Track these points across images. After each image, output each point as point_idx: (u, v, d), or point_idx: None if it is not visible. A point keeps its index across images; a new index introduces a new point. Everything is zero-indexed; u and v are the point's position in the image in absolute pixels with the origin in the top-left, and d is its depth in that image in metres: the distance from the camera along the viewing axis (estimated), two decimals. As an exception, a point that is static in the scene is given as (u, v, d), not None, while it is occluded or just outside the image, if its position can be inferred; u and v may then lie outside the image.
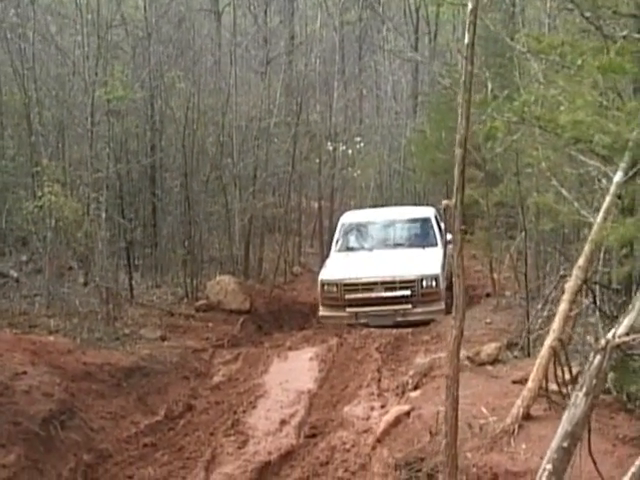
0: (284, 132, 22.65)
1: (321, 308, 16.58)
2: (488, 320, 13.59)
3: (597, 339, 7.52)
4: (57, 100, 16.50)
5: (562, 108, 7.50)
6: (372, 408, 10.35)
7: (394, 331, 14.85)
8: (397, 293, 15.99)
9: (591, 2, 7.79)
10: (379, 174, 30.51)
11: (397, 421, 9.05)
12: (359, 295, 16.12)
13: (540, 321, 9.49)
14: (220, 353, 13.55)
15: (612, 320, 7.20)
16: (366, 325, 15.78)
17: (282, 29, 28.63)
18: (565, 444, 4.17)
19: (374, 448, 8.86)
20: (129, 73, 16.90)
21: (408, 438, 8.37)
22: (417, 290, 15.98)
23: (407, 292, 15.96)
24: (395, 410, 9.41)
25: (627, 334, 4.00)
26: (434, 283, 16.12)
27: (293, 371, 12.35)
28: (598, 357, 4.01)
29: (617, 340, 3.99)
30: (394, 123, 32.64)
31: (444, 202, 14.74)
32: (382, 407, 10.31)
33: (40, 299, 13.69)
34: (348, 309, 16.10)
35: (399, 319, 15.89)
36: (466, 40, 5.23)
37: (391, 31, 36.63)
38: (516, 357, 10.77)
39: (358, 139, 29.31)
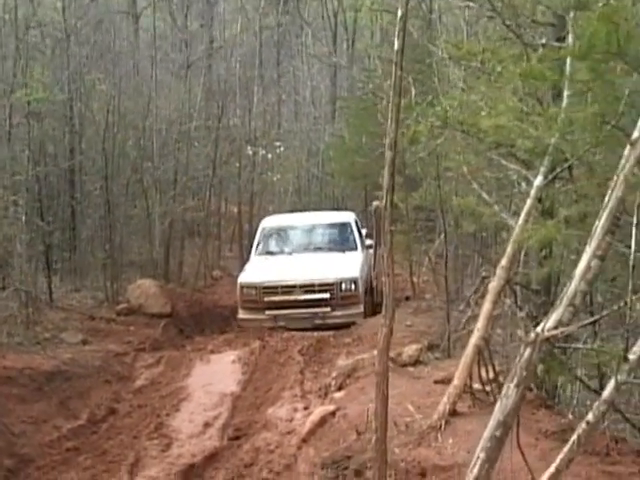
0: (204, 136, 22.63)
1: (240, 311, 16.57)
2: (409, 322, 13.75)
3: (520, 338, 7.74)
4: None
5: (483, 113, 7.68)
6: (295, 410, 10.38)
7: (316, 334, 14.92)
8: (316, 296, 16.07)
9: (511, 11, 8.01)
10: (298, 179, 30.62)
11: (322, 421, 9.13)
12: (278, 298, 16.17)
13: (464, 321, 9.68)
14: (142, 357, 13.47)
15: (532, 319, 7.42)
16: (286, 328, 15.80)
17: (202, 33, 28.57)
18: (497, 433, 4.33)
19: (300, 448, 8.91)
20: (49, 75, 16.69)
21: (334, 438, 8.46)
22: (336, 293, 16.08)
23: (326, 295, 16.04)
24: (320, 410, 9.49)
25: (555, 328, 4.17)
26: (353, 286, 16.22)
27: (216, 374, 12.34)
28: (528, 350, 4.18)
29: (546, 334, 4.16)
30: (313, 128, 32.79)
31: (374, 203, 14.86)
32: (305, 409, 10.36)
33: (-44, 303, 13.44)
34: (267, 312, 16.09)
35: (318, 322, 15.95)
36: (396, 46, 5.35)
37: (310, 36, 36.83)
38: (437, 358, 10.95)
39: (278, 143, 29.42)
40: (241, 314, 16.55)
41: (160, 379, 12.32)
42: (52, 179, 17.79)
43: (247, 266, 17.77)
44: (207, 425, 10.18)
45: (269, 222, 19.31)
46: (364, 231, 18.80)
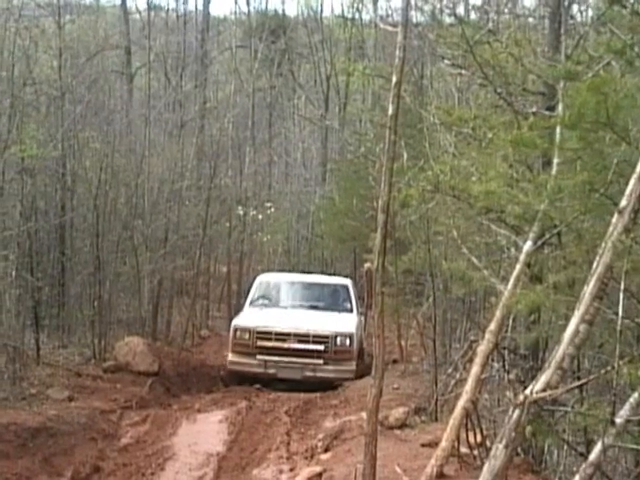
0: (195, 195, 22.74)
1: (230, 355, 16.65)
2: (396, 385, 13.77)
3: (507, 402, 7.76)
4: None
5: (473, 179, 7.81)
6: (281, 471, 10.37)
7: (302, 395, 14.91)
8: (310, 346, 16.11)
9: (502, 79, 8.17)
10: (287, 240, 30.73)
11: (309, 483, 9.12)
12: (271, 344, 16.22)
13: (452, 384, 9.70)
14: (128, 415, 13.37)
15: (520, 383, 7.45)
16: (273, 377, 15.93)
17: (196, 94, 28.85)
18: (487, 494, 4.35)
19: (286, 509, 8.90)
20: (43, 132, 16.81)
21: (320, 500, 8.45)
22: (330, 347, 16.13)
23: (320, 347, 16.10)
24: (307, 472, 9.47)
25: (544, 390, 4.22)
26: (348, 342, 16.31)
27: (202, 433, 12.29)
28: (517, 412, 4.22)
29: (534, 396, 4.21)
30: (303, 190, 32.98)
31: (366, 265, 14.96)
32: (291, 470, 10.34)
33: (-58, 358, 13.37)
34: (258, 356, 16.13)
35: (308, 374, 15.98)
36: (390, 111, 5.47)
37: (302, 98, 37.20)
38: (423, 422, 10.95)
39: (269, 204, 29.57)
40: (231, 357, 16.62)
41: (146, 438, 12.23)
42: (42, 235, 17.78)
43: (241, 313, 17.98)
44: (192, 485, 10.11)
45: (266, 277, 19.54)
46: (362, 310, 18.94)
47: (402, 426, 10.66)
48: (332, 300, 18.45)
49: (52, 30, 19.63)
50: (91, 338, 16.51)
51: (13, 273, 13.86)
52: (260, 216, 28.70)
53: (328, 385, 15.84)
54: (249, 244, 27.44)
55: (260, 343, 16.25)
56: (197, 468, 10.71)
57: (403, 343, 16.66)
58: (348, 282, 19.43)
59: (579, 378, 6.66)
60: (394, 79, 5.43)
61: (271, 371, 16.11)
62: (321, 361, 16.10)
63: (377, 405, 5.86)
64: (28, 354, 14.21)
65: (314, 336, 16.22)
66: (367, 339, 16.79)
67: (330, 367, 16.08)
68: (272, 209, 30.15)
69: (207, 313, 24.27)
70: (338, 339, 16.27)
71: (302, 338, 16.24)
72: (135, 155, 20.05)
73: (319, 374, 16.02)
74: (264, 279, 19.24)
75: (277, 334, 16.34)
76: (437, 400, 10.82)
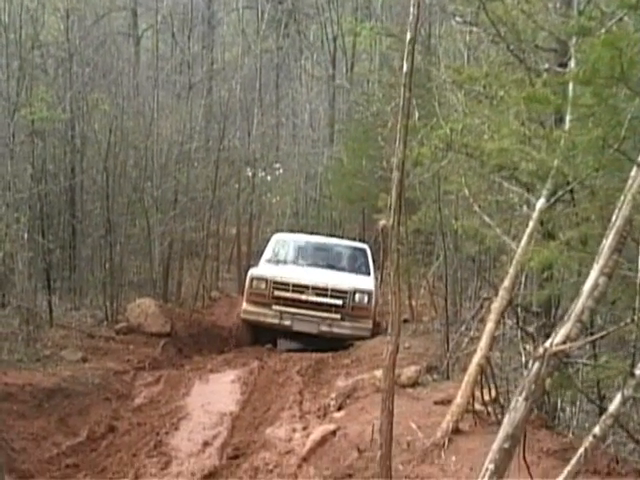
0: (204, 157, 22.74)
1: (245, 304, 16.46)
2: (407, 345, 13.80)
3: (520, 358, 7.81)
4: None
5: (485, 137, 7.80)
6: (294, 430, 10.38)
7: (315, 355, 14.96)
8: (328, 300, 15.90)
9: (515, 36, 8.13)
10: (295, 201, 30.79)
11: (323, 440, 9.16)
12: (288, 294, 16.01)
13: (466, 342, 9.75)
14: (141, 375, 13.46)
15: (534, 340, 7.49)
16: (288, 330, 15.85)
17: (203, 55, 28.75)
18: (506, 445, 4.39)
19: (300, 467, 8.94)
20: (52, 95, 16.80)
21: (335, 456, 8.50)
22: (348, 302, 15.92)
23: (339, 301, 15.90)
24: (321, 429, 9.52)
25: (564, 342, 4.25)
26: (366, 299, 16.11)
27: (215, 393, 12.32)
28: (537, 364, 4.26)
29: (554, 348, 4.24)
30: (311, 151, 32.97)
31: (381, 222, 14.90)
32: (304, 429, 10.36)
33: (-45, 320, 13.46)
34: (274, 307, 15.97)
35: (324, 329, 15.86)
36: (404, 68, 5.47)
37: (309, 60, 37.06)
38: (435, 380, 11.00)
39: (277, 165, 29.55)
40: (245, 306, 16.45)
41: (159, 398, 12.31)
42: (53, 198, 17.83)
43: (257, 267, 17.70)
44: (206, 444, 10.15)
45: (282, 236, 19.41)
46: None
47: (414, 384, 10.71)
48: (350, 262, 18.19)
49: (59, -8, 19.50)
50: (103, 300, 16.61)
51: (25, 236, 13.91)
52: (269, 177, 28.71)
53: (343, 342, 15.80)
54: (258, 206, 27.49)
55: (277, 293, 16.06)
56: (211, 427, 10.77)
57: (413, 303, 16.71)
58: (366, 247, 19.21)
59: (592, 334, 6.68)
60: (408, 36, 5.42)
61: (286, 323, 15.94)
62: (338, 316, 15.90)
63: (394, 362, 5.90)
64: (41, 316, 14.29)
65: (332, 290, 16.02)
66: (382, 296, 16.79)
67: (347, 323, 15.92)
68: (280, 170, 30.15)
69: (217, 275, 24.39)
70: (357, 295, 16.06)
71: (320, 291, 16.03)
72: (144, 117, 20.03)
73: (335, 330, 15.89)
74: (280, 238, 19.08)
75: (295, 285, 16.13)
76: (449, 358, 10.86)
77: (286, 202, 30.26)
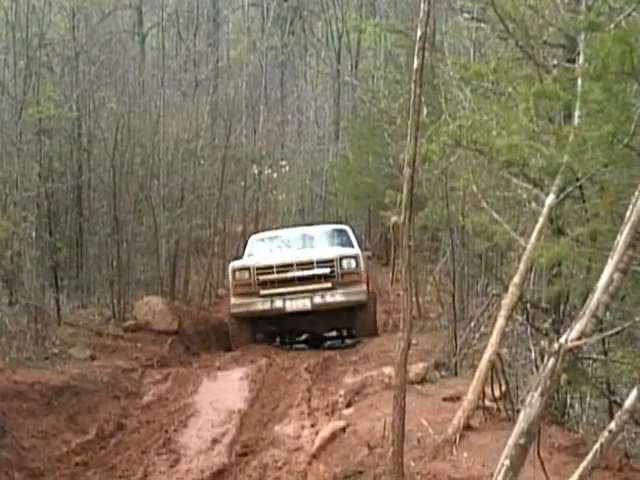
0: (210, 154, 22.76)
1: (233, 299, 15.92)
2: (414, 341, 13.58)
3: (529, 354, 7.82)
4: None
5: (494, 133, 7.79)
6: (303, 427, 10.38)
7: (323, 352, 14.98)
8: (315, 271, 15.45)
9: (523, 32, 8.13)
10: (301, 198, 30.83)
11: (332, 437, 9.16)
12: (274, 276, 15.53)
13: (476, 338, 9.74)
14: (150, 373, 13.51)
15: (544, 336, 7.50)
16: (282, 312, 15.44)
17: (209, 53, 28.79)
18: (521, 441, 4.39)
19: (310, 464, 8.95)
20: (59, 93, 16.87)
21: (344, 453, 8.50)
22: (337, 270, 15.43)
23: (326, 270, 15.42)
24: (330, 426, 9.52)
25: (579, 338, 4.26)
26: (354, 263, 15.62)
27: (223, 391, 12.31)
28: (552, 360, 4.26)
29: (569, 344, 4.24)
30: (317, 148, 33.02)
31: (392, 219, 14.84)
32: (312, 426, 10.36)
33: (-36, 319, 13.48)
34: (262, 292, 15.48)
35: (318, 301, 15.39)
36: (415, 65, 5.47)
37: (314, 57, 37.09)
38: (443, 376, 10.98)
39: (283, 162, 29.59)
40: (234, 301, 15.90)
41: (168, 395, 12.34)
42: (60, 196, 17.89)
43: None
44: (215, 441, 10.15)
45: (259, 235, 19.13)
46: (366, 253, 18.73)
47: (422, 381, 10.69)
48: (331, 240, 17.59)
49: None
50: (110, 298, 16.66)
51: (32, 234, 13.97)
52: (275, 175, 28.72)
53: (342, 314, 15.57)
54: (264, 203, 27.53)
55: (262, 278, 15.49)
56: (219, 425, 10.77)
57: (420, 299, 16.70)
58: (346, 227, 18.82)
59: (602, 330, 6.68)
60: (419, 32, 5.41)
61: (278, 305, 15.46)
62: (329, 284, 15.39)
63: (405, 358, 5.92)
64: (49, 314, 14.33)
65: (318, 262, 15.53)
66: (392, 293, 16.69)
67: (340, 291, 15.38)
68: (286, 168, 30.18)
69: (224, 272, 24.37)
70: (344, 261, 15.55)
71: (306, 266, 15.53)
72: (150, 115, 20.11)
73: (329, 299, 15.38)
74: (257, 236, 18.71)
75: (279, 266, 15.64)
76: (457, 355, 10.85)
77: (292, 199, 30.30)
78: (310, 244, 17.49)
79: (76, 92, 17.42)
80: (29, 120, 15.24)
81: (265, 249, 17.55)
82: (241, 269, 15.88)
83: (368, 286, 16.02)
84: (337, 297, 15.42)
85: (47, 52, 18.17)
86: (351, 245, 17.11)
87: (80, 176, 17.88)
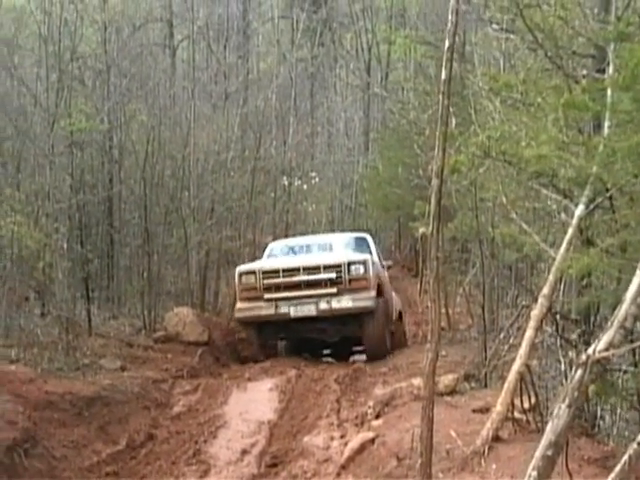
0: (240, 166, 22.82)
1: (238, 303, 15.64)
2: (443, 353, 13.70)
3: (559, 366, 7.78)
4: (17, 131, 16.52)
5: (523, 144, 7.77)
6: (332, 438, 10.39)
7: (352, 364, 14.94)
8: (320, 276, 15.03)
9: (552, 43, 8.12)
10: (331, 210, 30.83)
11: (362, 448, 9.18)
12: (279, 280, 15.18)
13: (505, 350, 9.71)
14: (180, 384, 13.53)
15: (573, 347, 7.47)
16: (287, 318, 15.13)
17: (238, 65, 28.92)
18: (549, 452, 4.38)
19: (339, 475, 8.98)
20: (91, 106, 17.04)
21: (373, 464, 8.51)
22: (343, 275, 15.01)
23: (332, 275, 14.99)
24: (360, 437, 9.53)
25: (606, 349, 4.24)
26: (362, 269, 15.15)
27: (253, 402, 12.30)
28: (579, 371, 4.24)
29: (597, 355, 4.22)
30: (346, 160, 33.05)
31: (420, 230, 14.79)
32: (342, 437, 10.37)
33: (-4, 330, 13.60)
34: (266, 295, 15.14)
35: (323, 306, 14.97)
36: (443, 76, 5.48)
37: (344, 68, 37.15)
38: (473, 388, 10.95)
39: (313, 174, 29.62)
40: (239, 305, 15.62)
41: (197, 406, 12.37)
42: (91, 208, 18.03)
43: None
44: (244, 452, 10.21)
45: (278, 241, 19.03)
46: (387, 263, 18.54)
47: (452, 392, 10.66)
48: (350, 248, 17.15)
49: (96, 4, 19.73)
50: (141, 309, 16.74)
51: (64, 245, 14.09)
52: (305, 186, 28.75)
53: (349, 322, 15.28)
54: (294, 214, 27.49)
55: (267, 282, 15.15)
56: (249, 435, 10.80)
57: (450, 311, 16.65)
58: (366, 235, 18.52)
59: (632, 341, 6.64)
60: (446, 43, 5.44)
61: (283, 310, 15.07)
62: (334, 290, 14.93)
63: (434, 369, 5.91)
64: (80, 325, 14.43)
65: (325, 266, 15.12)
66: (421, 304, 16.50)
67: (346, 297, 14.93)
68: (316, 179, 30.21)
69: (253, 284, 24.40)
70: (352, 267, 15.09)
71: (312, 270, 15.13)
72: (181, 127, 20.21)
73: (335, 305, 14.94)
74: (276, 243, 18.53)
75: (285, 270, 15.28)
76: (486, 366, 10.81)
77: (322, 210, 30.30)
78: (323, 249, 17.17)
79: (107, 105, 17.58)
80: (61, 133, 15.41)
81: (280, 255, 17.30)
82: (247, 273, 15.55)
83: (380, 294, 15.58)
84: (343, 303, 14.98)
85: (79, 65, 18.33)
86: (370, 253, 16.70)
87: (111, 188, 18.01)
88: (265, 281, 15.21)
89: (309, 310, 15.03)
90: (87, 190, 17.65)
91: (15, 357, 12.19)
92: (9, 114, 16.75)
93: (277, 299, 15.14)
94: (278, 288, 15.19)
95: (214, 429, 11.04)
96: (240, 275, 15.64)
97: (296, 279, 15.13)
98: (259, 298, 15.22)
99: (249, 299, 15.38)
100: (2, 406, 9.51)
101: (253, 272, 15.46)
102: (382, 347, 15.49)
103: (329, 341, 16.86)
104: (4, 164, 16.09)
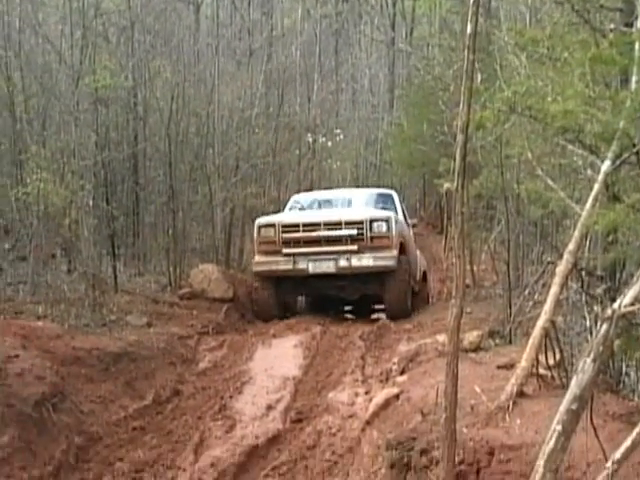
0: (264, 123, 22.78)
1: (257, 257, 15.54)
2: (468, 310, 13.69)
3: (584, 322, 7.77)
4: (42, 88, 16.55)
5: (549, 99, 7.70)
6: (357, 394, 10.45)
7: (377, 321, 14.96)
8: (341, 232, 14.82)
9: (580, -4, 8.03)
10: (356, 167, 30.74)
11: (386, 404, 9.23)
12: (298, 234, 15.01)
13: (530, 306, 9.69)
14: (205, 340, 13.63)
15: (599, 303, 7.45)
16: (305, 274, 15.00)
17: (262, 22, 28.79)
18: (574, 407, 4.39)
19: (363, 430, 9.04)
20: (115, 63, 17.03)
21: (398, 420, 8.55)
22: (365, 232, 14.78)
23: (353, 231, 14.76)
24: (384, 393, 9.58)
25: (632, 304, 4.23)
26: (385, 227, 14.91)
27: (278, 358, 12.37)
28: (605, 326, 4.24)
29: (623, 309, 4.21)
30: (371, 116, 32.90)
31: (445, 185, 14.73)
32: (366, 393, 10.43)
33: (24, 286, 13.68)
34: (285, 250, 14.97)
35: (343, 264, 14.76)
36: (468, 30, 5.43)
37: (368, 24, 36.87)
38: (497, 345, 10.95)
39: (338, 131, 29.51)
40: (257, 258, 15.47)
41: (223, 362, 12.47)
42: (116, 165, 18.07)
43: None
44: (270, 408, 10.29)
45: (301, 194, 18.83)
46: (412, 221, 18.40)
47: (476, 349, 10.67)
48: (374, 204, 16.85)
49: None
50: (166, 266, 16.82)
51: (90, 203, 14.12)
52: (329, 143, 28.64)
53: (370, 281, 15.11)
54: (318, 171, 27.44)
55: (286, 236, 14.97)
56: (274, 391, 10.88)
57: (475, 268, 16.62)
58: (392, 192, 18.27)
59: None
60: (472, -3, 5.40)
61: (301, 266, 14.89)
62: (355, 247, 14.69)
63: (458, 325, 5.91)
64: (107, 282, 14.51)
65: (346, 222, 14.86)
66: (445, 261, 16.40)
67: (367, 255, 14.71)
68: (341, 136, 30.08)
69: (278, 241, 24.43)
70: (374, 224, 14.83)
71: (333, 226, 14.89)
72: (205, 84, 20.18)
73: (355, 263, 14.73)
74: (299, 196, 18.37)
75: (305, 225, 15.07)
76: (511, 323, 10.80)
77: (346, 168, 30.20)
78: (347, 203, 16.98)
79: (131, 61, 17.57)
80: (86, 90, 15.42)
81: (305, 206, 17.22)
82: (266, 226, 15.39)
83: (403, 252, 15.38)
84: (364, 261, 14.76)
85: (103, 22, 18.30)
86: (395, 211, 16.52)
87: (136, 145, 18.04)
88: (284, 235, 15.05)
89: (328, 267, 14.85)
90: (112, 147, 17.68)
91: (42, 313, 12.29)
92: (34, 71, 16.75)
93: (296, 254, 14.96)
94: (297, 243, 15.03)
95: (239, 385, 11.12)
96: (259, 228, 15.51)
97: (316, 234, 14.94)
98: (277, 252, 15.06)
99: (267, 252, 15.23)
100: (30, 361, 9.57)
101: (272, 225, 15.32)
102: (403, 307, 15.36)
103: (349, 299, 16.69)
104: (30, 121, 16.08)
